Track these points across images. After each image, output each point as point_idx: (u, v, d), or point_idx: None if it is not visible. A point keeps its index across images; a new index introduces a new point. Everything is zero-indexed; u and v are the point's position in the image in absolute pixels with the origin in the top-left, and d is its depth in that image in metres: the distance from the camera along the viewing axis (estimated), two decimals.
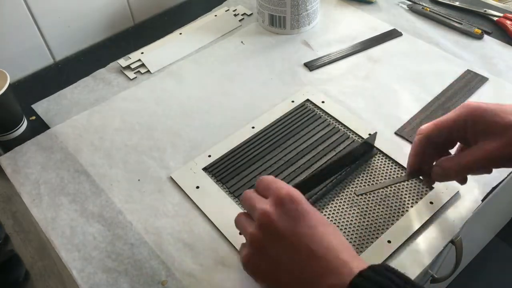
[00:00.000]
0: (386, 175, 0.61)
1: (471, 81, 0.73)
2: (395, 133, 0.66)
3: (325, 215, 0.57)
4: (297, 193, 0.45)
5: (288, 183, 0.60)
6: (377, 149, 0.64)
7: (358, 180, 0.60)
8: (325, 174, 0.58)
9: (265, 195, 0.46)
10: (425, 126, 0.51)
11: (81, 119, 0.72)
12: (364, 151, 0.62)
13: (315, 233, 0.43)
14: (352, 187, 0.60)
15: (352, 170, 0.61)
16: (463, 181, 0.54)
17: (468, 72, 0.75)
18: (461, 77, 0.74)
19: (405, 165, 0.60)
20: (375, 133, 0.62)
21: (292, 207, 0.43)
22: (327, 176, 0.59)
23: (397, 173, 0.61)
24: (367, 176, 0.61)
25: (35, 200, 0.61)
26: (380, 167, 0.62)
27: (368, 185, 0.60)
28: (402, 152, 0.63)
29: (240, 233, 0.50)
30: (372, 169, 0.61)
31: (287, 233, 0.43)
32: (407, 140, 0.65)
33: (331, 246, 0.42)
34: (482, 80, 0.73)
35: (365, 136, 0.65)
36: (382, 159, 0.63)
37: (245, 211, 0.49)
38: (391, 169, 0.62)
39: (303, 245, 0.42)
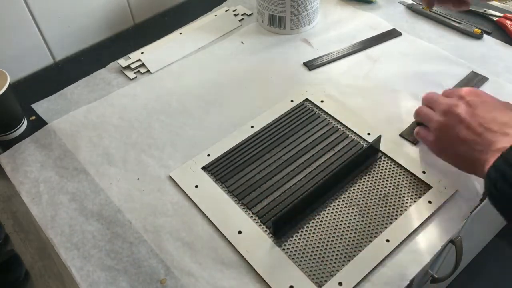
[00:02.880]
0: (388, 178, 0.61)
1: (471, 80, 0.73)
2: (400, 135, 0.66)
3: (324, 214, 0.57)
4: (478, 91, 0.56)
5: (287, 182, 0.60)
6: (381, 152, 0.63)
7: (359, 182, 0.60)
8: (332, 182, 0.58)
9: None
10: None
11: (78, 115, 0.72)
12: (369, 154, 0.62)
13: (492, 113, 0.53)
14: (354, 189, 0.60)
15: (357, 174, 0.61)
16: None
17: (470, 72, 0.74)
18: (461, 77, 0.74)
19: (407, 166, 0.61)
20: (379, 137, 0.61)
21: (473, 99, 0.55)
22: (334, 183, 0.59)
23: (400, 175, 0.61)
24: (369, 178, 0.61)
25: (35, 199, 0.61)
26: (383, 170, 0.62)
27: (370, 187, 0.60)
28: (403, 153, 0.63)
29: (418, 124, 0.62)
30: (375, 171, 0.61)
31: (466, 117, 0.53)
32: (409, 141, 0.65)
33: (505, 122, 0.51)
34: (482, 79, 0.73)
35: (364, 135, 0.65)
36: (385, 161, 0.63)
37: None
38: (393, 171, 0.62)
39: (478, 126, 0.52)
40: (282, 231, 0.55)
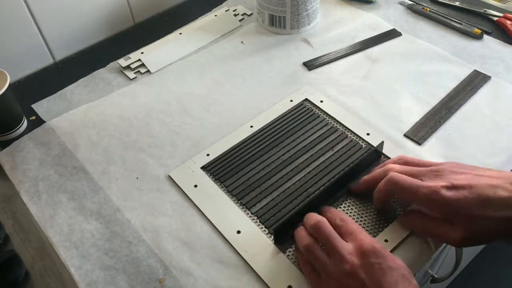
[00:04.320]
0: None
1: (473, 79, 0.73)
2: (405, 135, 0.66)
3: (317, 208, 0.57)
4: (379, 246, 0.47)
5: (286, 182, 0.60)
6: (385, 155, 0.63)
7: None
8: (334, 188, 0.58)
9: (345, 238, 0.49)
10: (394, 181, 0.51)
11: (78, 113, 0.73)
12: (373, 159, 0.62)
13: None
14: (357, 194, 0.59)
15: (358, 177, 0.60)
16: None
17: (473, 70, 0.75)
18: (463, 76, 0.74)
19: None
20: (382, 142, 0.61)
21: (376, 262, 0.45)
22: (336, 189, 0.58)
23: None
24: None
25: (34, 198, 0.61)
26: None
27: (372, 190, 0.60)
28: (402, 152, 0.63)
29: (297, 249, 0.53)
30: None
31: (371, 286, 0.44)
32: (415, 141, 0.65)
33: None
34: (485, 78, 0.73)
35: (364, 135, 0.65)
36: (384, 161, 0.63)
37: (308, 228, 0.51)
38: None
39: None
40: (284, 238, 0.55)
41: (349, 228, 0.50)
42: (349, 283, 0.45)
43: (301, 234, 0.52)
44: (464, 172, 0.49)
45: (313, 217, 0.52)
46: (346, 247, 0.47)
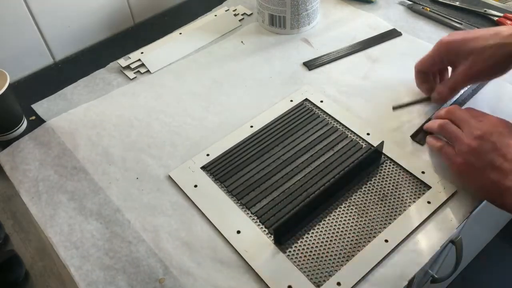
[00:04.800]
0: (387, 178, 0.61)
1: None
2: (411, 137, 0.66)
3: (323, 215, 0.57)
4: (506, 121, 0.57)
5: (286, 182, 0.60)
6: (391, 159, 0.63)
7: (359, 182, 0.60)
8: (335, 188, 0.58)
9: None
10: (417, 62, 0.67)
11: (78, 113, 0.73)
12: (373, 158, 0.62)
13: None
14: (354, 190, 0.60)
15: (358, 177, 0.61)
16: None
17: None
18: None
19: (406, 166, 0.61)
20: (382, 142, 0.61)
21: (506, 130, 0.55)
22: (337, 189, 0.58)
23: (400, 176, 0.61)
24: (368, 179, 0.61)
25: (34, 198, 0.61)
26: (382, 170, 0.62)
27: (369, 187, 0.60)
28: (402, 153, 0.63)
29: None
30: (374, 172, 0.61)
31: (504, 144, 0.53)
32: (416, 142, 0.65)
33: None
34: (482, 83, 0.72)
35: (364, 135, 0.65)
36: (384, 161, 0.63)
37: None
38: (392, 171, 0.62)
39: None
40: (284, 238, 0.55)
41: (475, 112, 0.59)
42: (480, 144, 0.54)
43: (431, 122, 0.63)
44: (462, 31, 0.64)
45: (443, 110, 0.62)
46: (478, 123, 0.57)
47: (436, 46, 0.64)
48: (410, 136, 0.65)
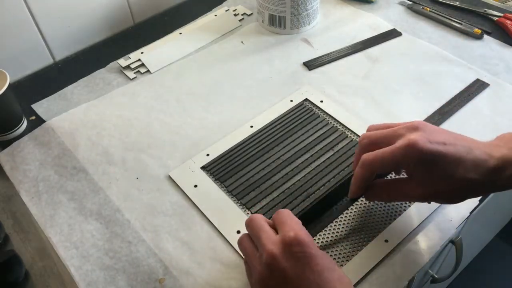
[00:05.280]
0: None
1: (471, 86, 0.72)
2: None
3: (322, 215, 0.57)
4: (304, 236, 0.44)
5: (286, 182, 0.60)
6: None
7: None
8: (338, 193, 0.57)
9: (277, 229, 0.46)
10: (369, 159, 0.48)
11: (78, 113, 0.73)
12: None
13: (321, 279, 0.43)
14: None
15: None
16: None
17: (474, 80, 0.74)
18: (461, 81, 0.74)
19: None
20: None
21: (299, 250, 0.43)
22: (340, 194, 0.57)
23: None
24: None
25: (34, 198, 0.61)
26: None
27: None
28: None
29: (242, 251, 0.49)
30: None
31: (293, 276, 0.42)
32: None
33: None
34: (483, 85, 0.72)
35: None
36: None
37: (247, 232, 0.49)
38: None
39: None
40: None
41: (279, 218, 0.47)
42: (270, 273, 0.43)
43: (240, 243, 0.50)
44: (441, 131, 0.48)
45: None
46: (272, 238, 0.45)
47: (407, 148, 0.46)
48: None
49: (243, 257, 0.48)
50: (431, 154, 0.45)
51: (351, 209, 0.57)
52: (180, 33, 0.87)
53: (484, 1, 0.91)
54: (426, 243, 0.54)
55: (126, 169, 0.64)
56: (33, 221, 0.59)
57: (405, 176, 0.51)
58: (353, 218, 0.56)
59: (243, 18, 0.91)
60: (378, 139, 0.50)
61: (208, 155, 0.65)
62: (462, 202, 0.57)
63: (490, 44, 0.80)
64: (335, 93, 0.73)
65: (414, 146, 0.45)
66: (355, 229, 0.55)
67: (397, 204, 0.57)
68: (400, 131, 0.48)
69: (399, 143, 0.47)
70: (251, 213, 0.58)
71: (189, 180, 0.62)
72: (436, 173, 0.46)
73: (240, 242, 0.49)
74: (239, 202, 0.59)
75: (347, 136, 0.66)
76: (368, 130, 0.53)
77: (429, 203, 0.55)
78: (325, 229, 0.56)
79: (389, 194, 0.51)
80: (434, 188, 0.47)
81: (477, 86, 0.72)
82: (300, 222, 0.46)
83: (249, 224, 0.48)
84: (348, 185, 0.57)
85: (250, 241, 0.47)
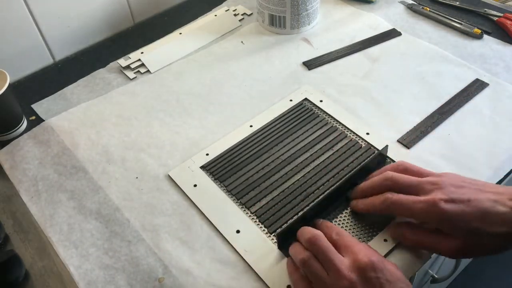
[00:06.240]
0: None
1: (471, 86, 0.72)
2: (398, 140, 0.65)
3: (322, 215, 0.57)
4: (377, 259, 0.45)
5: (285, 182, 0.60)
6: (391, 159, 0.63)
7: (359, 182, 0.60)
8: (338, 193, 0.57)
9: (341, 252, 0.47)
10: (392, 200, 0.50)
11: (77, 112, 0.73)
12: (377, 163, 0.61)
13: None
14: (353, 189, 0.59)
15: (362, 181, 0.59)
16: None
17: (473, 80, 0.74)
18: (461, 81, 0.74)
19: None
20: (387, 146, 0.61)
21: (374, 276, 0.44)
22: (340, 194, 0.58)
23: None
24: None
25: (33, 197, 0.61)
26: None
27: None
28: (401, 153, 0.63)
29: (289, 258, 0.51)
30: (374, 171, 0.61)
31: None
32: (406, 147, 0.64)
33: None
34: (482, 85, 0.72)
35: (363, 135, 0.65)
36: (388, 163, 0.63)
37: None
38: None
39: None
40: (288, 243, 0.54)
41: (345, 241, 0.48)
42: None
43: (296, 249, 0.50)
44: (463, 186, 0.49)
45: (309, 231, 0.50)
46: (344, 262, 0.46)
47: (428, 208, 0.47)
48: (397, 140, 0.63)
49: (308, 276, 0.48)
50: (452, 215, 0.46)
51: (351, 209, 0.57)
52: (180, 33, 0.87)
53: (484, 1, 0.91)
54: None
55: (125, 169, 0.64)
56: (33, 221, 0.59)
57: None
58: (352, 218, 0.56)
59: (243, 18, 0.91)
60: (402, 184, 0.51)
61: (207, 154, 0.65)
62: None
63: (490, 44, 0.80)
64: (334, 93, 0.73)
65: (436, 207, 0.47)
66: (355, 228, 0.55)
67: None
68: (425, 186, 0.49)
69: (422, 200, 0.48)
70: (251, 213, 0.58)
71: (189, 180, 0.62)
72: (461, 229, 0.47)
73: (307, 263, 0.48)
74: (239, 201, 0.59)
75: (346, 136, 0.66)
76: (396, 168, 0.54)
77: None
78: None
79: (422, 241, 0.51)
80: (464, 243, 0.47)
81: (477, 86, 0.72)
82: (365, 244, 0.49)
83: (315, 243, 0.48)
84: (348, 184, 0.57)
85: (317, 261, 0.48)
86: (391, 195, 0.50)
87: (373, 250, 0.48)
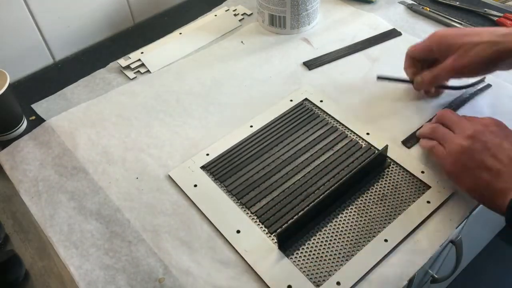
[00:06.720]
0: (387, 178, 0.61)
1: (471, 86, 0.72)
2: (402, 142, 0.65)
3: (322, 215, 0.57)
4: (498, 120, 0.57)
5: (285, 182, 0.60)
6: (391, 159, 0.63)
7: (358, 182, 0.60)
8: (338, 193, 0.57)
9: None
10: (410, 47, 0.69)
11: (77, 112, 0.73)
12: (377, 163, 0.61)
13: None
14: (353, 190, 0.59)
15: (363, 182, 0.60)
16: (436, 93, 0.71)
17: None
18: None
19: (405, 166, 0.61)
20: (387, 146, 0.61)
21: (497, 129, 0.55)
22: (340, 194, 0.58)
23: (399, 175, 0.61)
24: (368, 179, 0.61)
25: (34, 198, 0.61)
26: (381, 170, 0.62)
27: (369, 187, 0.60)
28: (402, 153, 0.63)
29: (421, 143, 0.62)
30: (374, 171, 0.61)
31: (492, 147, 0.53)
32: (408, 148, 0.65)
33: None
34: (483, 85, 0.72)
35: (364, 135, 0.65)
36: (394, 168, 0.62)
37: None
38: (392, 171, 0.62)
39: (505, 157, 0.52)
40: (288, 243, 0.54)
41: (470, 116, 0.60)
42: (472, 143, 0.54)
43: (424, 127, 0.63)
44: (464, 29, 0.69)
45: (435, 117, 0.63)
46: (469, 122, 0.57)
47: (430, 36, 0.66)
48: (402, 142, 0.65)
49: (435, 139, 0.59)
50: (448, 34, 0.63)
51: (351, 209, 0.57)
52: (180, 33, 0.87)
53: (484, 1, 0.91)
54: (426, 242, 0.54)
55: (126, 169, 0.64)
56: (33, 221, 0.59)
57: None
58: (352, 218, 0.56)
59: (243, 18, 0.91)
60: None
61: (208, 154, 0.65)
62: (461, 202, 0.57)
63: None
64: (335, 93, 0.73)
65: (435, 33, 0.65)
66: (355, 228, 0.55)
67: (397, 204, 0.57)
68: None
69: (425, 39, 0.67)
70: (251, 213, 0.58)
71: (189, 180, 0.62)
72: (456, 44, 0.61)
73: (435, 129, 0.60)
74: (239, 201, 0.59)
75: (346, 136, 0.66)
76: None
77: (460, 78, 0.68)
78: (325, 228, 0.56)
79: (431, 73, 0.65)
80: (459, 57, 0.61)
81: (477, 86, 0.72)
82: None
83: (445, 115, 0.60)
84: (347, 186, 0.57)
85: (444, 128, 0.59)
86: (441, 127, 0.61)
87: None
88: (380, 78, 0.72)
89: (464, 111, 0.69)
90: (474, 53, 0.59)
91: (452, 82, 0.69)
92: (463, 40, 0.61)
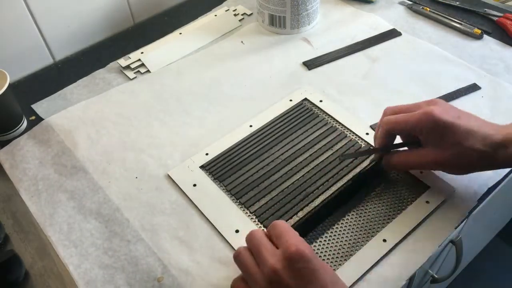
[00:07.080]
0: (386, 178, 0.61)
1: (471, 86, 0.72)
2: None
3: (324, 218, 0.57)
4: (307, 249, 0.44)
5: (285, 182, 0.60)
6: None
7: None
8: (339, 199, 0.57)
9: (276, 244, 0.46)
10: (389, 121, 0.55)
11: (76, 110, 0.73)
12: (377, 164, 0.61)
13: None
14: (356, 194, 0.59)
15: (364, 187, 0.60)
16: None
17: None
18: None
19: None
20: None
21: (302, 266, 0.43)
22: (341, 200, 0.58)
23: (398, 175, 0.61)
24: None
25: (33, 197, 0.61)
26: (381, 170, 0.62)
27: (368, 187, 0.60)
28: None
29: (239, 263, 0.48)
30: (373, 171, 0.61)
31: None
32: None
33: None
34: (483, 85, 0.72)
35: (363, 135, 0.65)
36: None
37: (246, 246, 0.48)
38: (395, 173, 0.62)
39: None
40: None
41: (277, 231, 0.47)
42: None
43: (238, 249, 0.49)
44: (457, 109, 0.54)
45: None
46: (273, 252, 0.45)
47: (423, 116, 0.52)
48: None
49: (241, 272, 0.47)
50: (444, 123, 0.51)
51: (350, 208, 0.57)
52: (180, 33, 0.87)
53: (484, 1, 0.91)
54: (425, 242, 0.54)
55: (125, 168, 0.64)
56: (33, 221, 0.59)
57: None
58: (351, 218, 0.56)
59: (243, 18, 0.91)
60: (400, 110, 0.56)
61: (207, 154, 0.65)
62: (460, 202, 0.57)
63: (490, 44, 0.80)
64: (334, 92, 0.73)
65: (431, 114, 0.52)
66: (353, 228, 0.55)
67: (396, 204, 0.57)
68: (421, 104, 0.55)
69: (418, 111, 0.53)
70: (250, 212, 0.58)
71: (188, 179, 0.62)
72: (447, 140, 0.52)
73: (238, 256, 0.47)
74: (238, 201, 0.59)
75: (346, 136, 0.66)
76: (385, 113, 0.58)
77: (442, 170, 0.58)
78: (324, 228, 0.56)
79: (407, 159, 0.56)
80: (444, 154, 0.52)
81: (477, 86, 0.72)
82: (297, 233, 0.47)
83: (249, 239, 0.48)
84: (347, 190, 0.57)
85: (250, 255, 0.47)
86: (389, 117, 0.56)
87: (304, 241, 0.46)
88: (342, 156, 0.62)
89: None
90: (462, 157, 0.52)
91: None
92: (456, 138, 0.51)
